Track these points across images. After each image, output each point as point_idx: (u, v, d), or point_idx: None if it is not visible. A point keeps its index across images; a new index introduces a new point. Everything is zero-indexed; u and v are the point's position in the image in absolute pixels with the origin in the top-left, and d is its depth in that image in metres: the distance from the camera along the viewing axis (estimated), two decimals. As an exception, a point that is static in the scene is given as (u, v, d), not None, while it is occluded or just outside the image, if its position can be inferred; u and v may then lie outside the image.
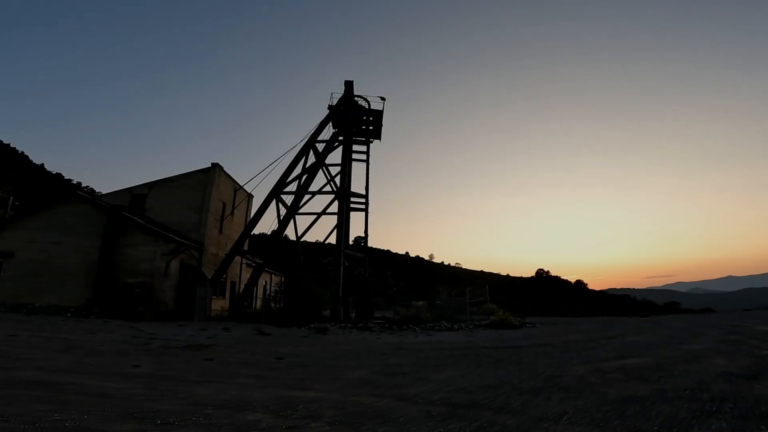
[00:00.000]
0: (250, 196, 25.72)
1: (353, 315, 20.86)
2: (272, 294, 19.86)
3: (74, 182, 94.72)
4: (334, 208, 21.50)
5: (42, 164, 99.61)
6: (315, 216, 21.88)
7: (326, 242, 27.94)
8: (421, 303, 18.92)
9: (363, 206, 23.82)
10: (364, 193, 22.55)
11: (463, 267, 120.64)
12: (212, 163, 21.07)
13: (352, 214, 23.72)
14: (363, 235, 23.15)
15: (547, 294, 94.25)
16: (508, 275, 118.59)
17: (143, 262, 16.78)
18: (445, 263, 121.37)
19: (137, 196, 20.79)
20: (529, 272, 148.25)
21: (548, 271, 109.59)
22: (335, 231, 23.08)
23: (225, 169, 22.19)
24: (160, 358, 6.86)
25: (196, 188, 20.66)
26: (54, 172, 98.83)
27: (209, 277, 18.95)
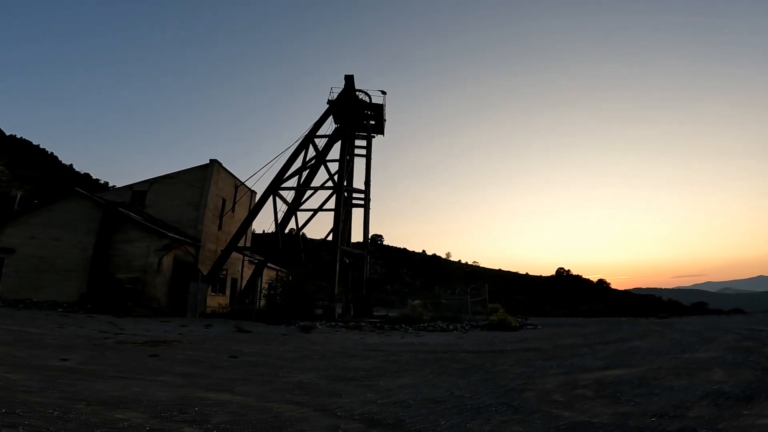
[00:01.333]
0: (252, 193, 25.60)
1: (352, 313, 20.45)
2: (266, 291, 19.59)
3: (102, 182, 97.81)
4: (333, 204, 21.09)
5: (71, 164, 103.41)
6: (317, 212, 21.51)
7: (327, 239, 27.54)
8: (417, 301, 18.32)
9: (366, 202, 23.41)
10: (363, 188, 22.03)
11: (481, 265, 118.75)
12: (210, 160, 21.01)
13: (361, 211, 23.22)
14: (363, 232, 22.67)
15: (567, 293, 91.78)
16: (527, 274, 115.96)
17: (137, 257, 16.79)
18: (462, 262, 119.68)
19: (138, 193, 20.92)
20: (549, 271, 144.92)
21: (569, 270, 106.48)
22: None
23: (228, 165, 22.14)
24: (100, 353, 6.60)
25: (194, 184, 20.62)
26: (82, 172, 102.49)
27: (205, 273, 18.86)
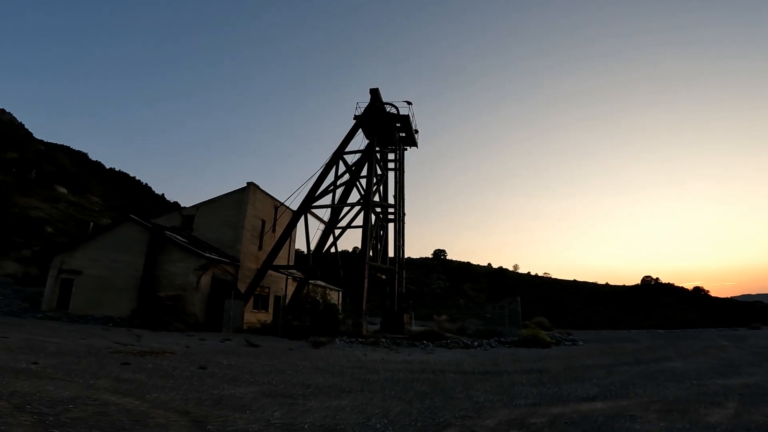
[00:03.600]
0: (293, 213, 26.56)
1: (383, 329, 20.09)
2: (291, 307, 20.00)
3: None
4: (368, 220, 21.09)
5: (162, 194, 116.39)
6: (345, 230, 21.74)
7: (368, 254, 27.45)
8: (443, 317, 17.47)
9: (400, 217, 23.19)
10: (393, 203, 21.83)
11: (553, 277, 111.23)
12: (248, 183, 22.26)
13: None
14: (394, 247, 22.35)
15: (655, 303, 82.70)
16: (606, 284, 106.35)
17: (178, 276, 18.16)
18: (532, 273, 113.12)
19: (187, 217, 22.78)
20: (634, 280, 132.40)
21: (657, 278, 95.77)
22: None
23: (270, 186, 23.34)
24: (77, 359, 7.31)
25: (233, 207, 21.95)
26: (171, 201, 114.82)
27: (243, 291, 19.81)
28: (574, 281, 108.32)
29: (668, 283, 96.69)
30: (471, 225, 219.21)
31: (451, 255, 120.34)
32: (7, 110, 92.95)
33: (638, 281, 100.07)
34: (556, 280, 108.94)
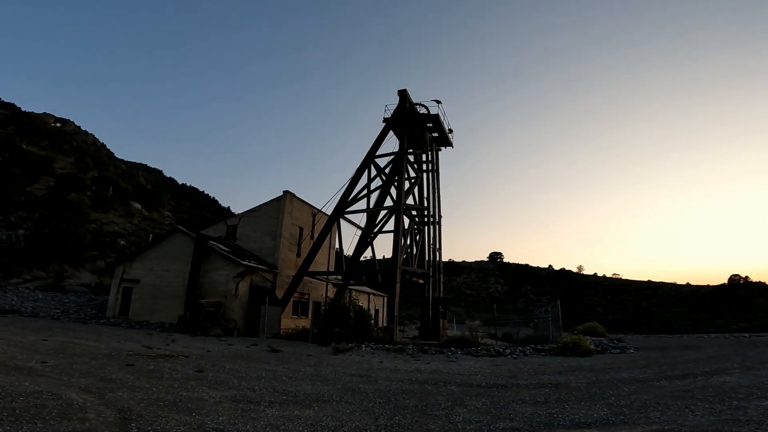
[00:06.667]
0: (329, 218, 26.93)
1: (419, 335, 19.58)
2: (323, 312, 20.13)
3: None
4: (400, 224, 20.81)
5: (228, 207, 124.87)
6: (376, 235, 21.59)
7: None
8: (477, 322, 16.59)
9: (432, 220, 22.61)
10: (426, 205, 21.30)
11: (623, 278, 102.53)
12: (284, 191, 22.95)
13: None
14: (429, 250, 21.75)
15: (748, 304, 73.49)
16: (687, 284, 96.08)
17: (219, 284, 19.13)
18: (599, 275, 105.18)
19: (231, 227, 24.01)
20: (719, 279, 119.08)
21: (746, 277, 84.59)
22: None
23: (311, 194, 23.93)
24: (87, 359, 7.82)
25: (272, 216, 22.74)
26: (236, 213, 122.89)
27: (280, 297, 20.38)
28: (649, 282, 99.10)
29: (759, 282, 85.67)
30: (528, 226, 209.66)
31: (509, 258, 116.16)
32: (89, 132, 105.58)
33: (724, 280, 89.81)
34: (627, 281, 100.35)
